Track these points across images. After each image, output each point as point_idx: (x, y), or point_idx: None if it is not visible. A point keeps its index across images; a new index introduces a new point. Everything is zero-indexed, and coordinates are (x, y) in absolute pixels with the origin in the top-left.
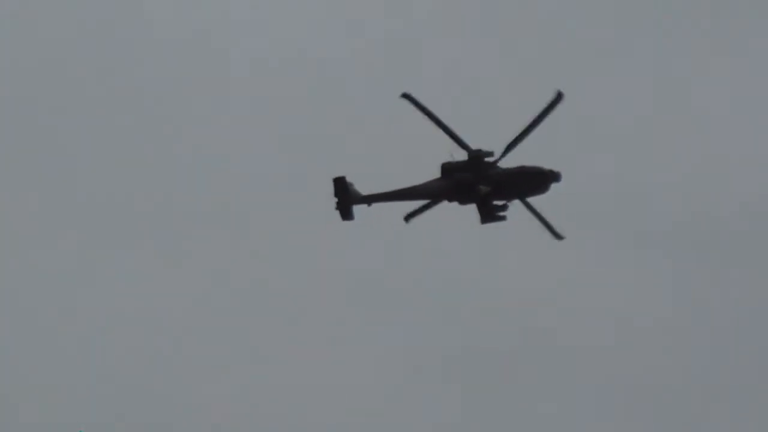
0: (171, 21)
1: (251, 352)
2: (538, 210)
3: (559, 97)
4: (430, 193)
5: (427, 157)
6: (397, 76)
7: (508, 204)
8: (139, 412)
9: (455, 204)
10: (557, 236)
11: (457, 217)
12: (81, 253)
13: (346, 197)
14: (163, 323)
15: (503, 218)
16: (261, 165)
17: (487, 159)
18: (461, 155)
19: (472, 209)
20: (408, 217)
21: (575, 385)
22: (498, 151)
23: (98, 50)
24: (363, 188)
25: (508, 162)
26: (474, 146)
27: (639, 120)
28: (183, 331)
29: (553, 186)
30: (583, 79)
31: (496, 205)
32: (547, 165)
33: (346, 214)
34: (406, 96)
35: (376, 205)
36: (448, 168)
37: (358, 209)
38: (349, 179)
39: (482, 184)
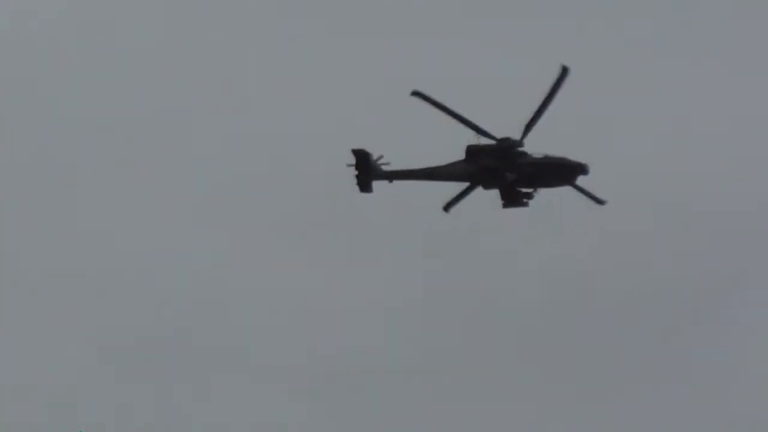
0: None
1: None
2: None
3: (565, 72)
4: (453, 175)
5: (447, 142)
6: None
7: (534, 193)
8: None
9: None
10: (598, 201)
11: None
12: None
13: (367, 169)
14: None
15: (526, 205)
16: None
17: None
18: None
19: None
20: (447, 207)
21: None
22: (517, 134)
23: None
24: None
25: (531, 145)
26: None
27: None
28: None
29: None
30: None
31: (522, 192)
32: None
33: (364, 186)
34: (416, 93)
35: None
36: (473, 151)
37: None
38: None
39: (509, 171)
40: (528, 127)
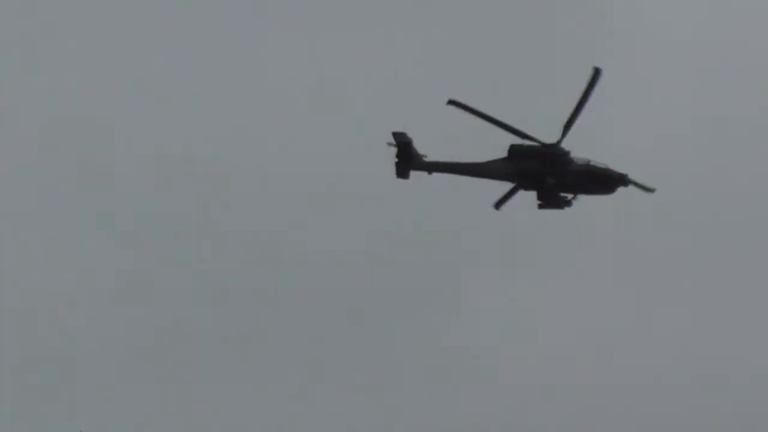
0: None
1: None
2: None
3: (597, 74)
4: (494, 173)
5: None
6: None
7: (574, 199)
8: None
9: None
10: (648, 190)
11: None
12: None
13: (408, 156)
14: None
15: (561, 208)
16: None
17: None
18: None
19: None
20: (497, 205)
21: None
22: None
23: None
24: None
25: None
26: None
27: None
28: None
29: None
30: None
31: (561, 196)
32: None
33: (402, 173)
34: (452, 102)
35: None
36: (515, 151)
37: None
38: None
39: (551, 176)
40: (566, 129)
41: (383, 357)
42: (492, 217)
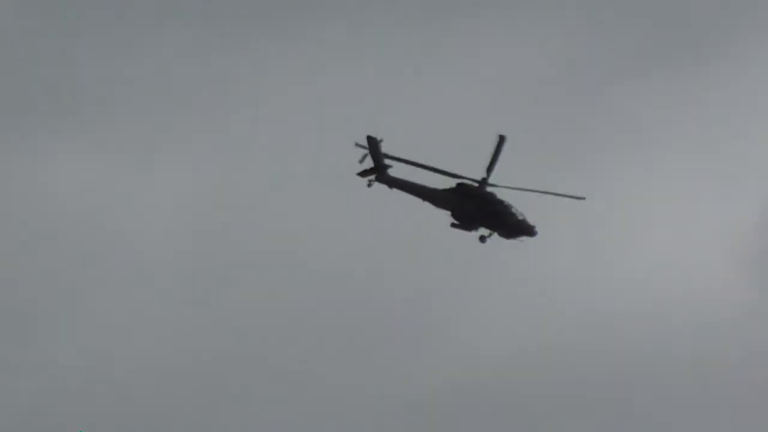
0: None
1: None
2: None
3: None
4: (438, 201)
5: None
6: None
7: (487, 237)
8: None
9: None
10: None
11: None
12: None
13: (377, 162)
14: None
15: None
16: None
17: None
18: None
19: None
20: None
21: None
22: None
23: None
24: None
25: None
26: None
27: None
28: None
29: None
30: None
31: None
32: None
33: (367, 173)
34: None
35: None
36: (461, 189)
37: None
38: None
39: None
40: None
41: None
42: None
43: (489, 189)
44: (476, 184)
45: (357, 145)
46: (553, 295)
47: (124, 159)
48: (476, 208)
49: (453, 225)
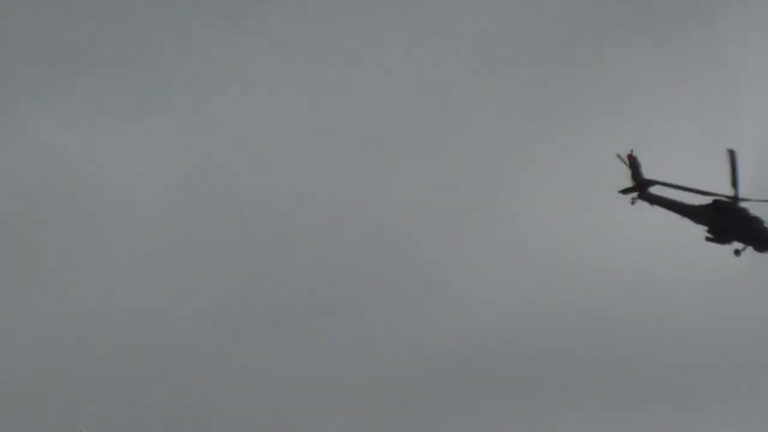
0: None
1: None
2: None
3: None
4: (693, 215)
5: None
6: None
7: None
8: None
9: None
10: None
11: None
12: None
13: (638, 178)
14: None
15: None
16: None
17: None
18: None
19: None
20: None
21: None
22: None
23: None
24: None
25: None
26: None
27: None
28: None
29: None
30: None
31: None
32: None
33: (629, 190)
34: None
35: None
36: (718, 205)
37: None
38: None
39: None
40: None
41: None
42: None
43: (741, 204)
44: (729, 200)
45: (618, 157)
46: None
47: (109, 111)
48: (731, 223)
49: (707, 239)
